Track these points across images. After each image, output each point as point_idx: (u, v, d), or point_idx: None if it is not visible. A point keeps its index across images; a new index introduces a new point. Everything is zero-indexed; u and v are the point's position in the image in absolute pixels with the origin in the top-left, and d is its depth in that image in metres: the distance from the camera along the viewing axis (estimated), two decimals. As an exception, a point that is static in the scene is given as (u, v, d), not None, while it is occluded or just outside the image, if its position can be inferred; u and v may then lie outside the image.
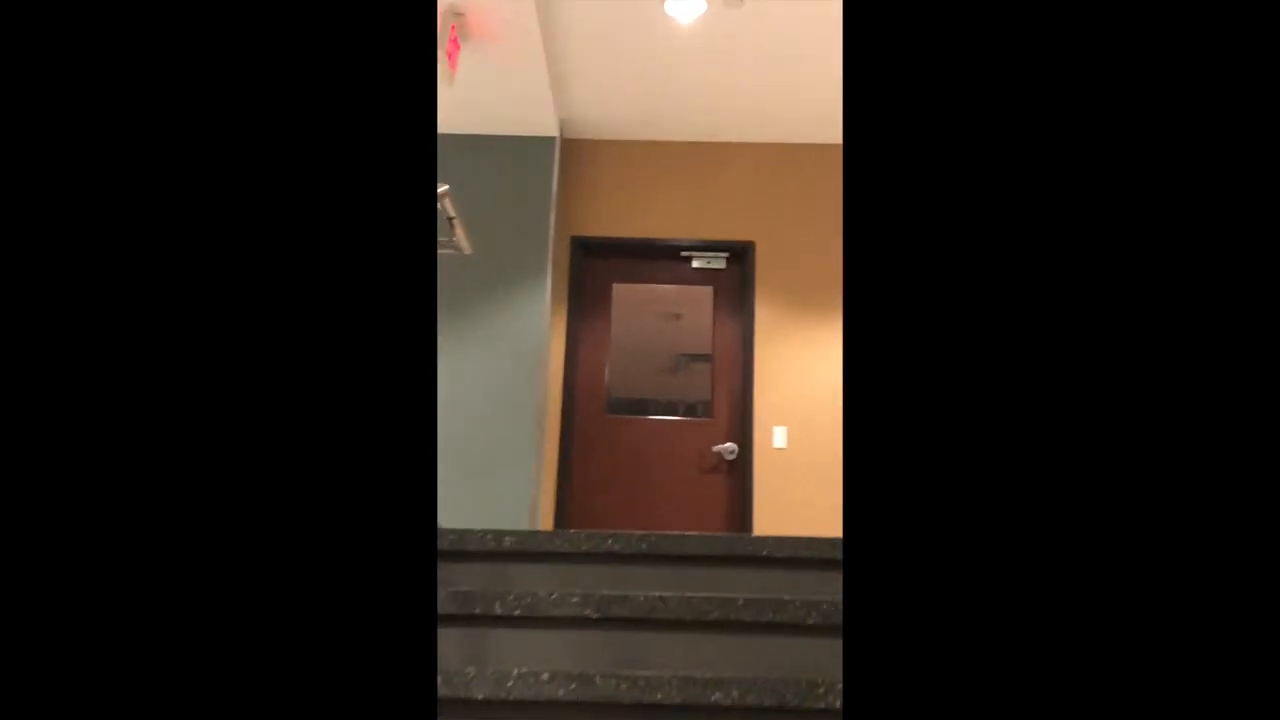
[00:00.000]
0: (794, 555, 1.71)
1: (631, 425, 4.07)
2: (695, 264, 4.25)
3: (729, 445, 4.01)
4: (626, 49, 3.63)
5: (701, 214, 4.23)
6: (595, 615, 1.49)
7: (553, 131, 3.94)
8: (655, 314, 4.20)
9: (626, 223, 4.23)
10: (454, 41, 3.11)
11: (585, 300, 4.24)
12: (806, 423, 3.99)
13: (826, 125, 4.13)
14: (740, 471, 4.01)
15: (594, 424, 4.08)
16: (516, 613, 1.50)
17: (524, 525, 3.56)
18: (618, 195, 4.28)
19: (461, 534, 1.73)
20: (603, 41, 3.59)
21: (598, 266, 4.27)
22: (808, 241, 4.16)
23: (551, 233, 3.93)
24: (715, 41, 3.55)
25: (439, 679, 1.30)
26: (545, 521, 3.94)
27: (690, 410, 4.09)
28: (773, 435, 4.00)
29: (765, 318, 4.09)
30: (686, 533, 1.75)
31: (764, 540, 1.72)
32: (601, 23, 3.47)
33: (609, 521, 3.97)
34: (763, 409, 4.00)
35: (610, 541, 1.71)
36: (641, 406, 4.10)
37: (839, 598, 1.56)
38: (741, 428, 4.04)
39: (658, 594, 1.50)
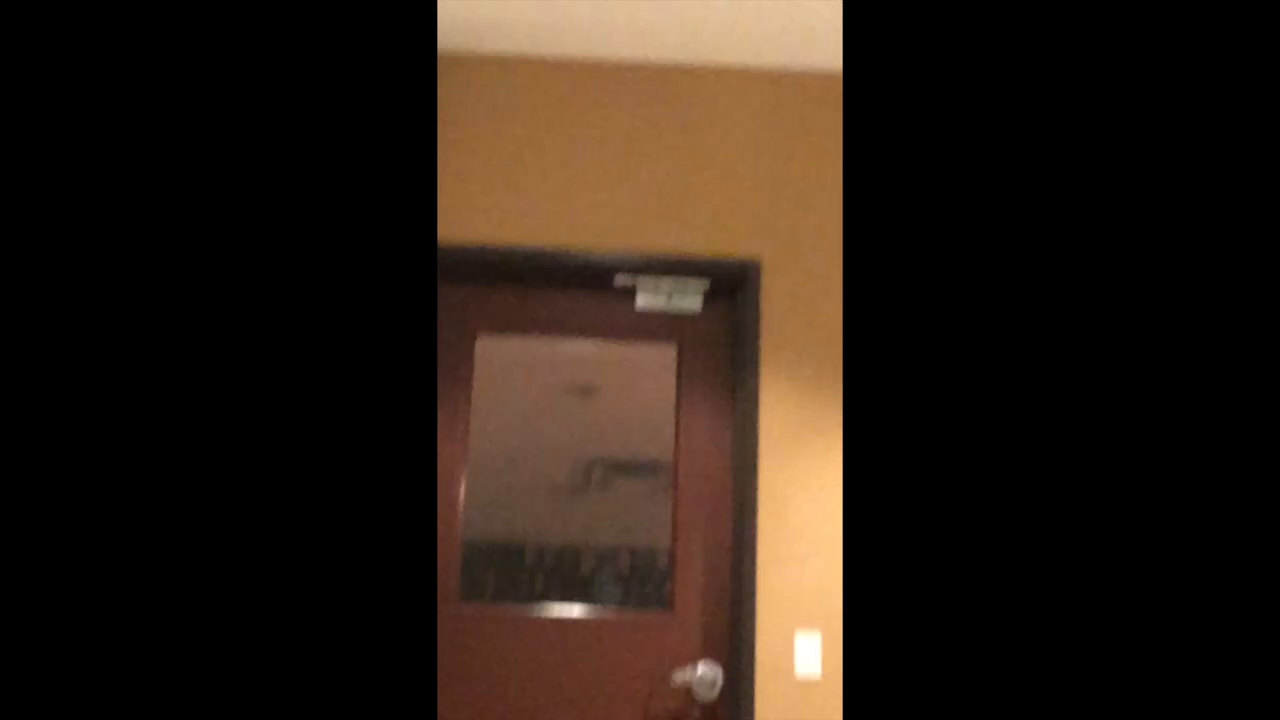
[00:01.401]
0: None
1: (508, 626, 2.15)
2: (640, 300, 2.22)
3: (704, 671, 2.10)
4: None
5: (655, 207, 2.24)
6: None
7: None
8: (558, 395, 2.16)
9: (508, 221, 2.16)
10: None
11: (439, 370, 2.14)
12: None
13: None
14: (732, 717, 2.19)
15: (447, 618, 2.08)
16: None
17: None
18: (496, 163, 2.20)
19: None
20: None
21: (451, 302, 2.29)
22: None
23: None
24: None
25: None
26: None
27: (628, 597, 2.10)
28: (794, 649, 2.15)
29: (779, 405, 2.13)
30: None
31: None
32: None
33: None
34: (772, 595, 2.14)
35: None
36: (528, 588, 2.07)
37: None
38: (732, 632, 2.17)
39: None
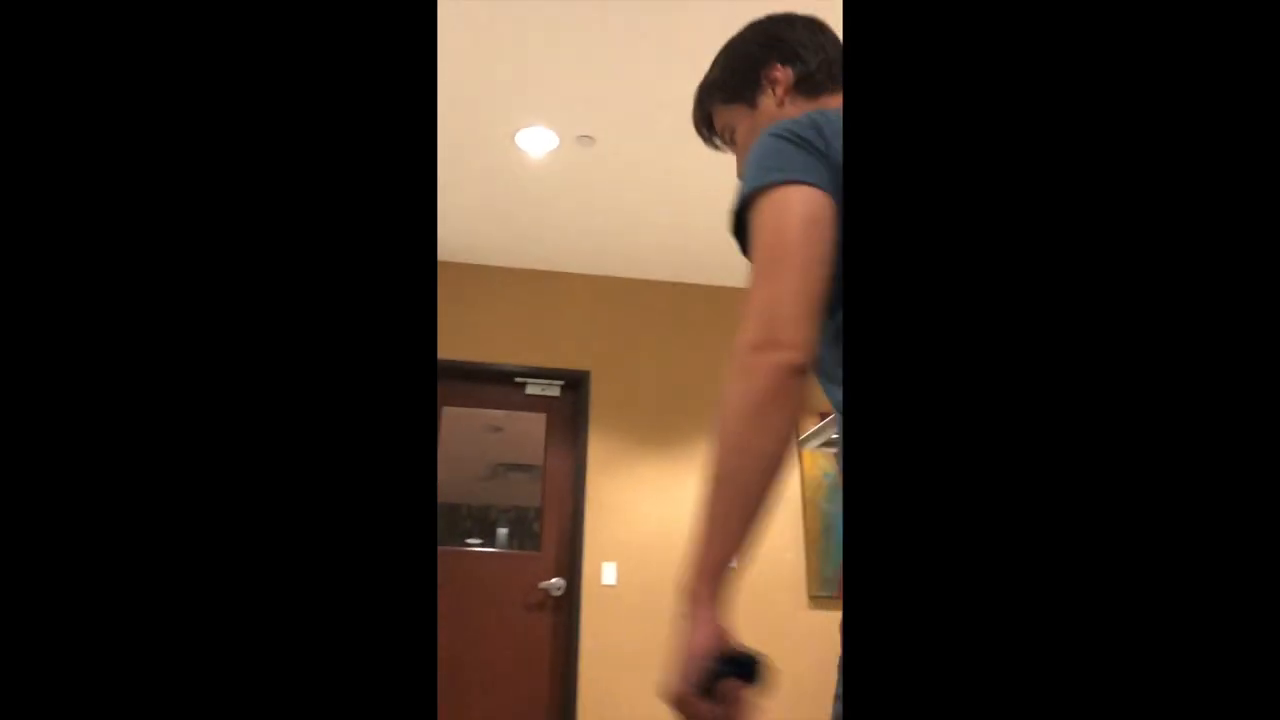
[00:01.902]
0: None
1: (455, 558, 3.87)
2: (529, 390, 4.15)
3: (556, 580, 3.88)
4: (471, 176, 3.56)
5: (538, 341, 4.17)
6: None
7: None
8: (485, 440, 4.06)
9: (459, 345, 4.09)
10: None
11: None
12: (638, 558, 3.93)
13: (667, 262, 4.21)
14: (567, 607, 3.89)
15: None
16: None
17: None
18: (451, 316, 4.14)
19: None
20: (452, 167, 3.51)
21: None
22: (645, 374, 4.18)
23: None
24: (564, 177, 3.55)
25: None
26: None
27: (518, 543, 3.94)
28: (602, 571, 3.91)
29: (599, 449, 4.04)
30: None
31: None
32: (447, 149, 3.39)
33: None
34: (593, 543, 3.91)
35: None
36: (466, 538, 3.90)
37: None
38: (570, 562, 3.92)
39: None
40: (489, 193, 3.67)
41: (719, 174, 3.46)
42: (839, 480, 0.81)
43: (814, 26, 1.16)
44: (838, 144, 0.94)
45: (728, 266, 4.22)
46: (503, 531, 3.92)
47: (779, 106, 1.12)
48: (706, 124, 1.21)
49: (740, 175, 1.07)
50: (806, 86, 1.12)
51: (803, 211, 0.90)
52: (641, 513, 4.00)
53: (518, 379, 4.13)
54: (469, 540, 3.86)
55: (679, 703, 0.81)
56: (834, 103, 1.10)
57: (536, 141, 3.31)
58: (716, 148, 1.23)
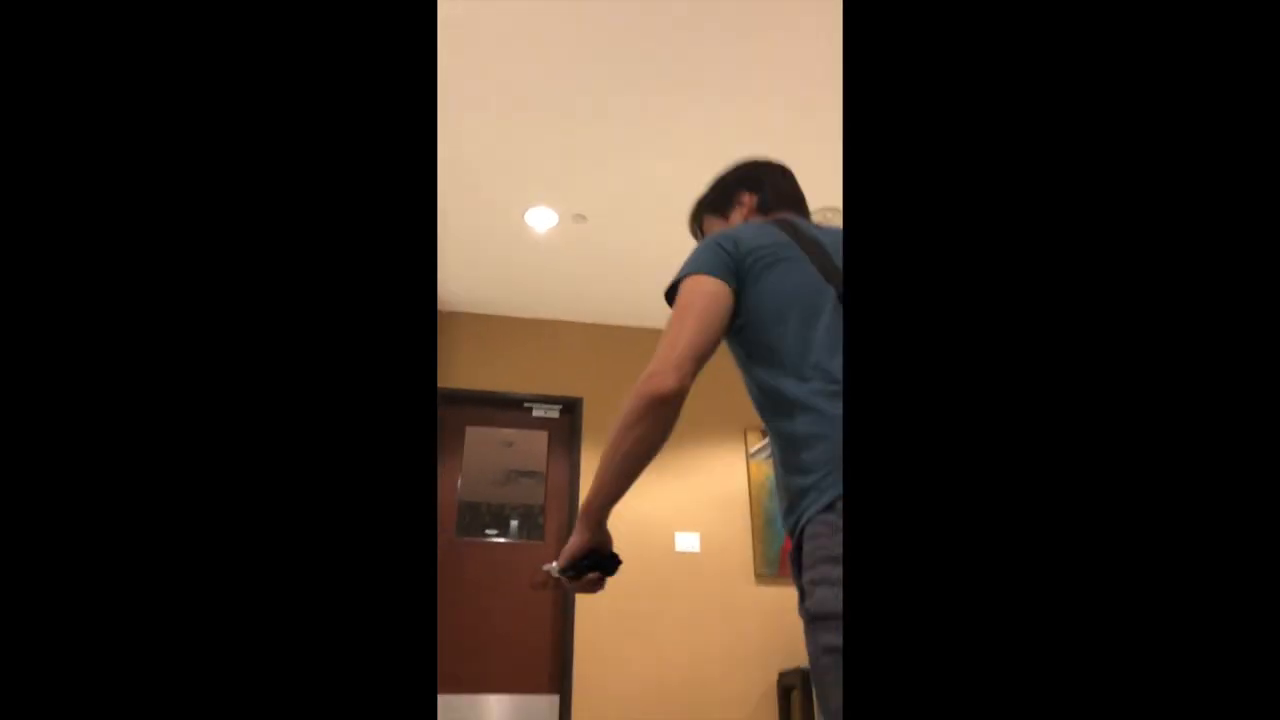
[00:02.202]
0: None
1: (477, 547, 4.59)
2: (535, 413, 4.97)
3: (554, 564, 4.68)
4: (490, 246, 4.44)
5: (541, 374, 5.03)
6: None
7: (427, 303, 4.75)
8: (500, 453, 4.96)
9: (481, 378, 4.95)
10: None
11: (444, 440, 4.87)
12: (621, 545, 4.67)
13: (643, 312, 5.14)
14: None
15: (446, 546, 4.63)
16: None
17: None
18: (475, 356, 5.02)
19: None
20: (473, 239, 4.38)
21: (455, 413, 4.93)
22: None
23: (420, 384, 4.65)
24: (562, 247, 4.44)
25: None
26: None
27: (526, 534, 4.76)
28: None
29: (590, 459, 4.88)
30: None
31: None
32: (473, 228, 4.27)
33: (455, 632, 4.47)
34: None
35: None
36: (485, 529, 4.71)
37: None
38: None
39: None
40: (504, 259, 4.56)
41: (684, 246, 4.36)
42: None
43: (777, 170, 1.41)
44: (746, 246, 1.16)
45: (692, 315, 5.18)
46: (514, 523, 4.77)
47: (743, 220, 1.37)
48: (699, 226, 1.47)
49: None
50: (762, 208, 1.37)
51: (703, 292, 1.12)
52: (624, 508, 4.78)
53: (525, 404, 4.97)
54: (487, 531, 4.76)
55: (552, 579, 1.26)
56: (777, 216, 1.34)
57: (541, 219, 4.15)
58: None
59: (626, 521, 4.77)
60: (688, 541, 4.72)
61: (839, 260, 1.19)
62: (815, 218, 4.01)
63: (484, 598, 4.50)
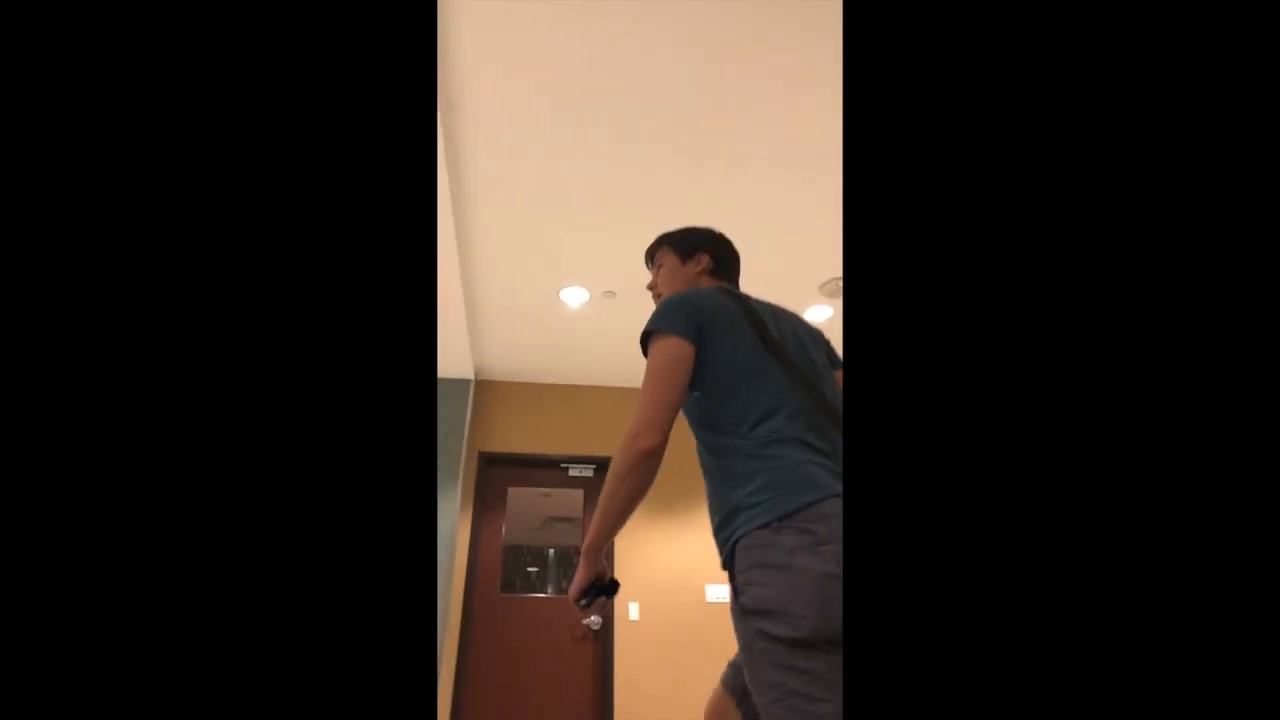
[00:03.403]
0: None
1: (520, 601, 4.66)
2: (571, 473, 5.14)
3: (595, 619, 4.59)
4: (528, 321, 4.67)
5: (576, 436, 5.21)
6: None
7: (469, 375, 4.95)
8: (539, 502, 5.11)
9: (520, 441, 5.16)
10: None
11: (487, 500, 5.01)
12: (656, 599, 4.76)
13: None
14: (604, 639, 4.55)
15: (490, 602, 4.72)
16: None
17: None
18: (515, 421, 5.24)
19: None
20: (511, 315, 4.61)
21: (497, 473, 5.09)
22: (656, 459, 5.34)
23: (464, 450, 4.81)
24: (594, 320, 4.64)
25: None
26: (447, 664, 4.50)
27: (564, 573, 4.85)
28: (629, 610, 4.65)
29: None
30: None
31: None
32: (511, 307, 4.50)
33: (500, 683, 4.53)
34: (621, 590, 4.59)
35: None
36: (528, 586, 4.83)
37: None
38: (605, 603, 4.76)
39: None
40: (541, 332, 4.74)
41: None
42: None
43: (726, 242, 1.61)
44: (707, 313, 1.32)
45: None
46: (551, 553, 4.86)
47: (695, 275, 1.55)
48: (654, 254, 1.65)
49: (653, 294, 1.61)
50: (714, 272, 1.57)
51: (674, 357, 1.25)
52: (657, 563, 4.89)
53: (562, 464, 5.17)
54: (529, 569, 4.90)
55: (571, 604, 1.39)
56: (722, 282, 1.56)
57: (574, 296, 4.31)
58: (648, 268, 1.67)
59: (659, 574, 4.89)
60: (718, 593, 4.79)
61: (776, 331, 1.38)
62: (829, 287, 4.26)
63: (530, 652, 4.57)
